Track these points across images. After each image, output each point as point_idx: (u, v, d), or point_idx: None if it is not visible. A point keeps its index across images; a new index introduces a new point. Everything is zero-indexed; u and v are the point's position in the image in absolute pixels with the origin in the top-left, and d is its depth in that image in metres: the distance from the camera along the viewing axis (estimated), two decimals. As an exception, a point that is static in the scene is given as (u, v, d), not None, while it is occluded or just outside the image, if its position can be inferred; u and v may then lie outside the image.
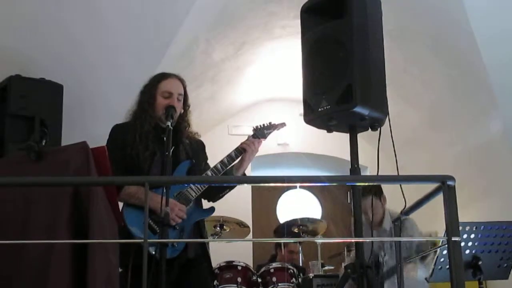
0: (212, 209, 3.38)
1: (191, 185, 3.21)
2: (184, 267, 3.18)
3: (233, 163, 3.32)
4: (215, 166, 3.25)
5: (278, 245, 6.05)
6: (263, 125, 3.50)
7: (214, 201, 3.48)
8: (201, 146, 3.51)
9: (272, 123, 3.51)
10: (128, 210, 3.16)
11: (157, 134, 3.24)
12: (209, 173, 3.24)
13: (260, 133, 3.46)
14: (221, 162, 3.28)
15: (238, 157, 3.32)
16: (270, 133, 3.49)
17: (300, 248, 5.59)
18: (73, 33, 4.55)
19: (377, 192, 4.14)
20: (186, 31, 4.90)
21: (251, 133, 3.47)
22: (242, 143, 3.38)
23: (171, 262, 3.02)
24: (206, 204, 3.45)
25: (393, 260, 4.03)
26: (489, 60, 4.82)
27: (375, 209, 4.16)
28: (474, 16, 4.62)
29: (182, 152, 3.31)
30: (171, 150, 3.21)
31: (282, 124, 3.55)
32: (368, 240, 3.97)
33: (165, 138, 3.06)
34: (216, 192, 3.41)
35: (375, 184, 4.06)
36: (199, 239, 3.27)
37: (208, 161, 3.51)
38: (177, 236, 3.12)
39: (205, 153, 3.52)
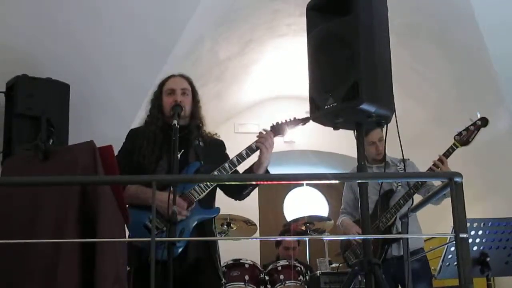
0: (216, 210, 3.28)
1: (195, 186, 3.17)
2: (186, 271, 3.11)
3: (242, 162, 3.25)
4: (222, 166, 3.19)
5: (277, 243, 6.06)
6: (285, 120, 3.37)
7: (240, 199, 3.40)
8: (217, 146, 3.43)
9: (297, 118, 3.34)
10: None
11: (166, 136, 3.19)
12: (215, 173, 3.18)
13: (279, 129, 3.34)
14: (230, 161, 3.22)
15: (249, 155, 3.25)
16: (291, 128, 3.36)
17: (307, 245, 5.59)
18: (79, 34, 4.56)
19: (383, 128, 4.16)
20: (191, 30, 4.90)
21: (259, 130, 3.39)
22: (255, 142, 3.28)
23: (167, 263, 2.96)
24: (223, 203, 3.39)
25: (405, 189, 4.11)
26: (496, 57, 4.80)
27: (380, 141, 4.19)
28: (480, 11, 4.61)
29: (192, 154, 3.27)
30: (181, 153, 3.22)
31: (307, 119, 3.24)
32: (375, 238, 4.00)
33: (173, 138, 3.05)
34: (237, 188, 3.33)
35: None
36: (203, 240, 3.18)
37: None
38: (177, 236, 3.01)
39: (223, 152, 3.41)
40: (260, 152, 3.26)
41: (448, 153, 4.02)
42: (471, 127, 4.02)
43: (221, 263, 3.39)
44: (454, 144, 4.03)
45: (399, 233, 3.97)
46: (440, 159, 3.99)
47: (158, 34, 4.75)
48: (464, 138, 4.02)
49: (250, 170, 3.29)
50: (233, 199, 3.41)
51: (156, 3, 4.59)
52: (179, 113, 3.19)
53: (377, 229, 4.04)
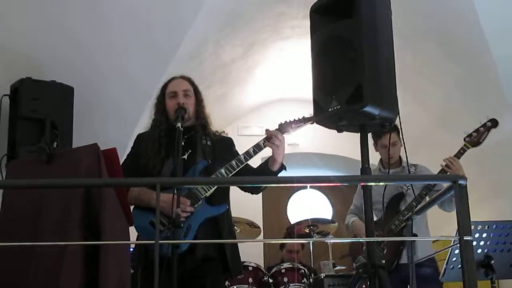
0: (223, 207, 3.24)
1: None
2: (195, 266, 3.13)
3: (250, 159, 3.24)
4: (230, 164, 3.18)
5: (281, 246, 6.06)
6: (293, 119, 3.36)
7: (257, 193, 3.47)
8: (225, 144, 3.42)
9: (306, 116, 3.32)
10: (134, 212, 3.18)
11: (171, 138, 3.18)
12: (222, 171, 3.17)
13: (286, 128, 3.32)
14: (238, 159, 3.21)
15: (257, 153, 3.24)
16: (299, 127, 3.35)
17: (311, 248, 5.58)
18: (83, 37, 4.57)
19: (398, 132, 4.16)
20: (195, 32, 4.91)
21: (263, 133, 3.36)
22: (262, 140, 3.27)
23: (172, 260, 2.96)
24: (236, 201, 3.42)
25: (416, 191, 4.07)
26: (499, 58, 4.80)
27: (395, 146, 4.18)
28: (484, 13, 4.60)
29: (199, 153, 3.28)
30: (188, 153, 3.24)
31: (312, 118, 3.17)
32: (378, 240, 3.99)
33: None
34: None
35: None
36: (215, 238, 3.17)
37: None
38: (183, 233, 3.04)
39: (232, 149, 3.40)
40: (272, 150, 3.26)
41: (459, 154, 4.02)
42: (481, 128, 4.05)
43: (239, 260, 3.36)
44: (465, 145, 4.04)
45: (412, 235, 3.96)
46: (452, 160, 3.98)
47: (162, 37, 4.76)
48: (475, 139, 4.04)
49: (265, 164, 3.29)
50: (229, 202, 3.40)
51: (160, 6, 4.60)
52: (183, 115, 3.20)
53: (389, 232, 4.04)
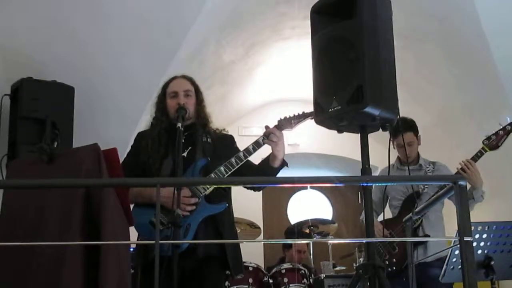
0: (222, 205, 3.23)
1: None
2: (196, 265, 3.13)
3: (249, 156, 3.23)
4: (229, 161, 3.18)
5: (286, 246, 6.06)
6: (293, 115, 3.34)
7: (259, 190, 3.51)
8: (226, 141, 3.42)
9: (306, 112, 3.29)
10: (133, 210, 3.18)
11: (171, 136, 3.19)
12: (222, 168, 3.17)
13: (286, 124, 3.31)
14: (237, 156, 3.20)
15: (256, 150, 3.23)
16: (299, 122, 3.33)
17: (311, 248, 5.60)
18: (84, 37, 4.58)
19: (416, 132, 4.23)
20: (196, 33, 4.91)
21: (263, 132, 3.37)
22: (262, 136, 3.26)
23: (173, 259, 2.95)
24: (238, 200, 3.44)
25: (433, 190, 4.07)
26: (499, 59, 4.80)
27: (413, 144, 4.20)
28: (485, 14, 4.60)
29: (199, 151, 3.27)
30: (188, 151, 3.24)
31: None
32: (378, 241, 3.99)
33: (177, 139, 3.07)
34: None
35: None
36: (215, 236, 3.15)
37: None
38: (182, 232, 3.03)
39: (233, 146, 3.40)
40: (271, 147, 3.25)
41: (476, 157, 3.95)
42: (500, 131, 3.97)
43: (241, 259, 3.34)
44: (483, 148, 3.96)
45: (425, 235, 3.97)
46: (468, 163, 3.93)
47: (163, 37, 4.76)
48: (493, 143, 3.96)
49: (266, 161, 3.29)
50: (226, 200, 3.38)
51: (161, 7, 4.60)
52: (183, 115, 3.21)
53: (403, 231, 4.02)
